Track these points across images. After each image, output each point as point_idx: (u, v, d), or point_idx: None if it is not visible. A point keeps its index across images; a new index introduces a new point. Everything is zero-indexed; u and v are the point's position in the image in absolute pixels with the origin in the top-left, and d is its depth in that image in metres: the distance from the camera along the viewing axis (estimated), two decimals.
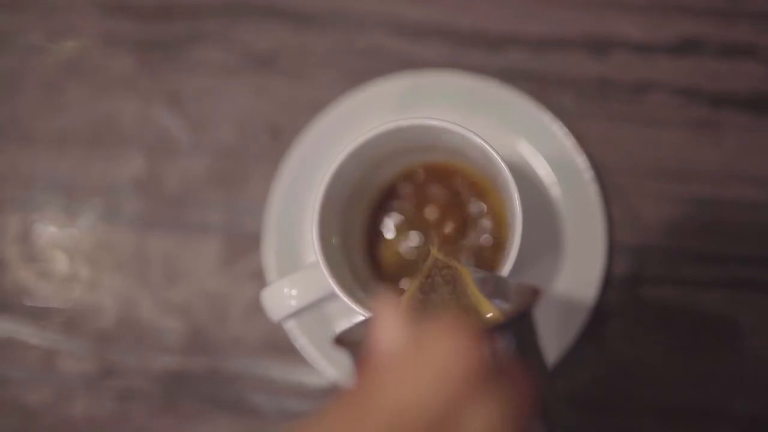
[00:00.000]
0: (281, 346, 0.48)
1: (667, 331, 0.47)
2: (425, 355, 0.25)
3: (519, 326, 0.29)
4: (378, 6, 0.50)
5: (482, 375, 0.25)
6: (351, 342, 0.30)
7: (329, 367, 0.46)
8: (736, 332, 0.46)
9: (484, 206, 0.45)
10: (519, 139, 0.47)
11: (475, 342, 0.25)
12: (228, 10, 0.51)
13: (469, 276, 0.35)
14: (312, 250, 0.39)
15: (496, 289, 0.34)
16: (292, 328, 0.46)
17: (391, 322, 0.27)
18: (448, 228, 0.45)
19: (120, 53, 0.52)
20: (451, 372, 0.24)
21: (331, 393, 0.48)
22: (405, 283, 0.45)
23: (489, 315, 0.31)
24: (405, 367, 0.25)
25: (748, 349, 0.46)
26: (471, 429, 0.24)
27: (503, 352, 0.27)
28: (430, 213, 0.45)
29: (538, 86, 0.48)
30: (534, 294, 0.29)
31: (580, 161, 0.46)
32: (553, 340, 0.45)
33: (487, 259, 0.45)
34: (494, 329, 0.27)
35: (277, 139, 0.50)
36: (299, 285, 0.40)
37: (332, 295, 0.39)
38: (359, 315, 0.38)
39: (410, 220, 0.46)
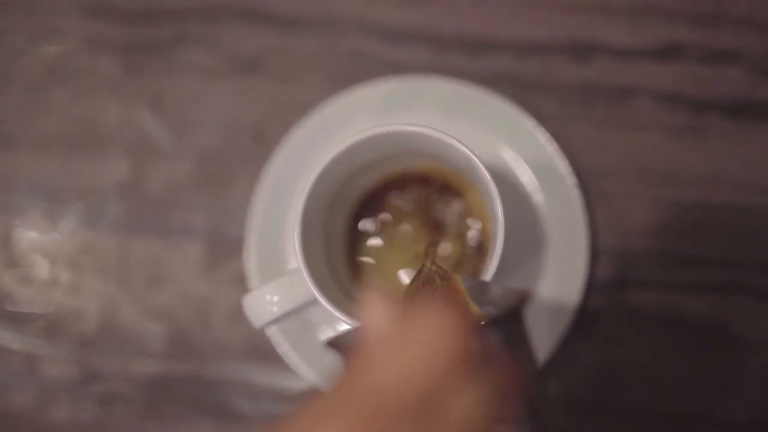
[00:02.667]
0: (264, 351, 0.48)
1: (652, 334, 0.47)
2: (411, 337, 0.25)
3: (508, 323, 0.29)
4: (362, 10, 0.50)
5: (468, 359, 0.25)
6: (342, 346, 0.31)
7: (311, 372, 0.46)
8: (721, 336, 0.47)
9: (467, 211, 0.45)
10: (502, 145, 0.47)
11: (463, 326, 0.25)
12: (212, 13, 0.51)
13: (461, 283, 0.35)
14: (294, 256, 0.39)
15: (485, 295, 0.34)
16: (274, 333, 0.46)
17: (378, 309, 0.27)
18: (431, 235, 0.45)
19: (103, 56, 0.51)
20: (436, 354, 0.24)
21: (310, 395, 0.47)
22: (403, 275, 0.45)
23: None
24: (391, 348, 0.25)
25: (733, 353, 0.47)
26: (454, 411, 0.24)
27: (491, 343, 0.27)
28: (412, 219, 0.45)
29: (522, 91, 0.48)
30: (523, 295, 0.30)
31: (563, 167, 0.46)
32: (537, 345, 0.45)
33: (471, 264, 0.45)
34: (484, 324, 0.27)
35: (261, 142, 0.49)
36: (281, 291, 0.40)
37: (314, 301, 0.39)
38: (341, 320, 0.38)
39: (392, 226, 0.46)
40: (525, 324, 0.30)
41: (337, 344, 0.31)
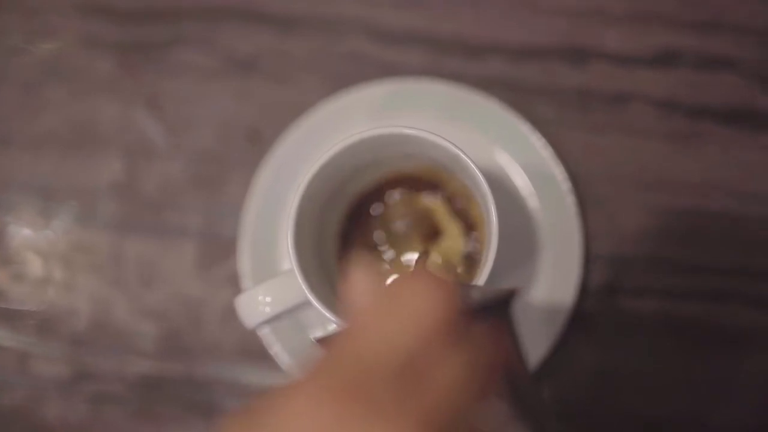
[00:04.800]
0: (256, 352, 0.48)
1: (645, 341, 0.47)
2: (396, 306, 0.25)
3: (495, 311, 0.29)
4: (360, 11, 0.50)
5: (453, 329, 0.25)
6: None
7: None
8: (714, 343, 0.46)
9: (461, 215, 0.45)
10: (497, 149, 0.47)
11: (448, 297, 0.25)
12: (209, 13, 0.51)
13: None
14: (287, 257, 0.39)
15: (474, 294, 0.34)
16: (266, 334, 0.46)
17: (363, 282, 0.27)
18: (425, 238, 0.45)
19: (100, 55, 0.51)
20: (421, 322, 0.24)
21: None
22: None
23: None
24: (375, 317, 0.25)
25: (726, 360, 0.46)
26: (437, 379, 0.24)
27: (478, 324, 0.27)
28: (406, 222, 0.45)
29: (518, 95, 0.48)
30: (512, 291, 0.30)
31: (558, 172, 0.46)
32: (531, 349, 0.45)
33: (465, 268, 0.45)
34: (472, 309, 0.27)
35: (257, 143, 0.49)
36: (274, 292, 0.40)
37: (307, 303, 0.39)
38: (333, 322, 0.38)
39: (385, 229, 0.46)
40: (513, 316, 0.30)
41: (327, 342, 0.31)
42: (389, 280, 0.27)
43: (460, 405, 0.24)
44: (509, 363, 0.28)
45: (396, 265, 0.45)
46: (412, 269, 0.31)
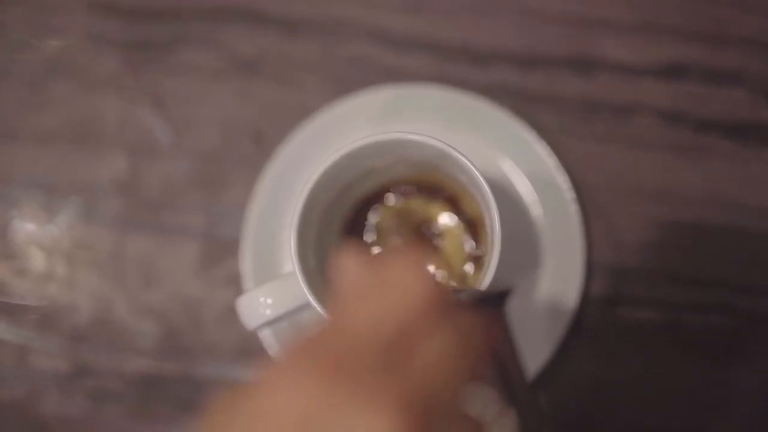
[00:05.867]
0: (255, 353, 0.48)
1: (644, 352, 0.47)
2: (384, 283, 0.25)
3: (489, 304, 0.30)
4: (365, 16, 0.50)
5: (441, 308, 0.25)
6: None
7: None
8: (712, 356, 0.47)
9: (463, 221, 0.45)
10: (501, 156, 0.47)
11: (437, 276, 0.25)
12: (215, 13, 0.51)
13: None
14: (289, 260, 0.39)
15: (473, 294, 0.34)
16: (266, 335, 0.46)
17: (353, 264, 0.27)
18: (427, 243, 0.45)
19: (105, 53, 0.51)
20: (409, 299, 0.24)
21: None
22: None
23: None
24: (363, 294, 0.25)
25: (724, 373, 0.46)
26: (424, 355, 0.24)
27: (470, 312, 0.27)
28: (408, 227, 0.45)
29: (523, 103, 0.48)
30: (506, 287, 0.30)
31: (562, 181, 0.46)
32: (530, 357, 0.45)
33: (467, 274, 0.45)
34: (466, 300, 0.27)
35: (260, 144, 0.49)
36: (275, 294, 0.40)
37: (308, 305, 0.39)
38: None
39: (387, 234, 0.46)
40: (506, 312, 0.30)
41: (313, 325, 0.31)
42: (374, 257, 0.27)
43: (444, 385, 0.23)
44: (500, 352, 0.28)
45: None
46: (398, 249, 0.31)
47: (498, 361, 0.28)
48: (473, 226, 0.45)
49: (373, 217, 0.46)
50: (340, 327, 0.24)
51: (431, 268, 0.25)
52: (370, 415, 0.21)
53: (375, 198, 0.46)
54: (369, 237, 0.46)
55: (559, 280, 0.46)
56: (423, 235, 0.45)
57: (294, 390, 0.22)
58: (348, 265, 0.27)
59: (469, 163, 0.38)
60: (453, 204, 0.46)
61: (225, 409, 0.23)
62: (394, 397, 0.22)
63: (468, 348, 0.25)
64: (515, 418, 0.27)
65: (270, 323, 0.40)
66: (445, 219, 0.46)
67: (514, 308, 0.31)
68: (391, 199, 0.46)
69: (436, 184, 0.45)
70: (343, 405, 0.21)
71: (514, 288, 0.30)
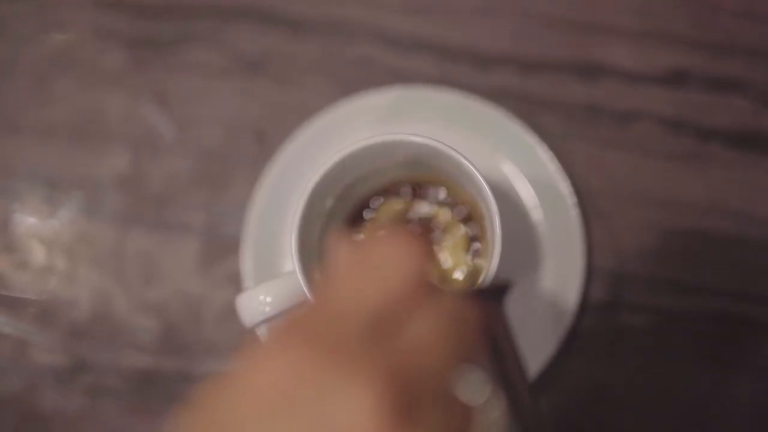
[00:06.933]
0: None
1: (641, 358, 0.47)
2: (369, 262, 0.25)
3: (487, 295, 0.30)
4: (370, 17, 0.50)
5: (428, 287, 0.25)
6: None
7: None
8: (710, 363, 0.47)
9: (465, 224, 0.45)
10: (503, 160, 0.47)
11: (422, 253, 0.25)
12: (221, 12, 0.51)
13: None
14: (290, 259, 0.39)
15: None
16: (265, 333, 0.46)
17: (343, 249, 0.27)
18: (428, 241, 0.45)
19: (111, 48, 0.51)
20: (394, 277, 0.24)
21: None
22: None
23: None
24: (350, 274, 0.25)
25: (723, 380, 0.47)
26: (409, 335, 0.24)
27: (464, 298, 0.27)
28: (409, 229, 0.45)
29: (526, 107, 0.49)
30: (505, 282, 0.30)
31: (564, 186, 0.46)
32: (529, 360, 0.45)
33: (467, 277, 0.45)
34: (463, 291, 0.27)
35: (263, 143, 0.49)
36: (275, 292, 0.40)
37: None
38: None
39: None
40: (504, 305, 0.30)
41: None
42: (363, 239, 0.27)
43: (429, 365, 0.23)
44: (500, 346, 0.28)
45: None
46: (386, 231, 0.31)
47: (497, 356, 0.28)
48: (473, 228, 0.45)
49: (374, 219, 0.46)
50: (324, 306, 0.24)
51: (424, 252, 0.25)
52: (351, 392, 0.21)
53: (377, 198, 0.46)
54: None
55: (559, 283, 0.46)
56: (422, 234, 0.45)
57: (275, 367, 0.22)
58: (339, 250, 0.27)
59: (471, 166, 0.38)
60: (454, 206, 0.46)
61: (210, 389, 0.23)
62: (377, 375, 0.22)
63: (455, 330, 0.25)
64: (506, 403, 0.27)
65: (269, 321, 0.40)
66: (445, 220, 0.46)
67: (512, 310, 0.31)
68: (392, 201, 0.46)
69: (438, 186, 0.45)
70: (324, 381, 0.22)
71: (514, 283, 0.30)
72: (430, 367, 0.23)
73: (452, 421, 0.23)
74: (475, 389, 0.24)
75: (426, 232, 0.45)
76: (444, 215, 0.46)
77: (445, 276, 0.45)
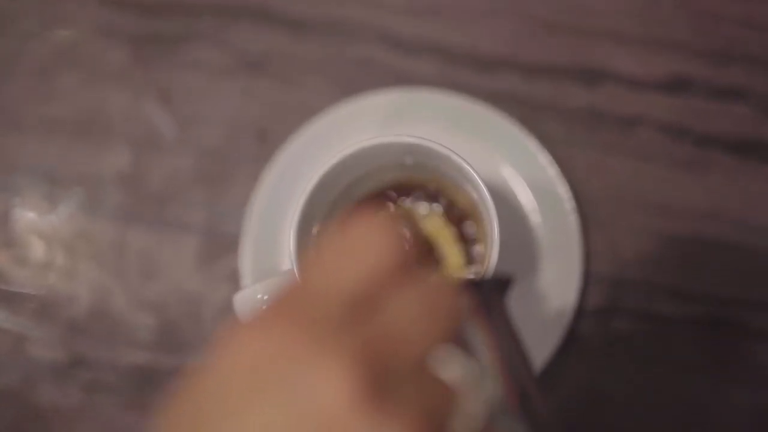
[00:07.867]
0: None
1: (639, 365, 0.47)
2: (345, 245, 0.25)
3: (487, 287, 0.30)
4: (373, 18, 0.51)
5: (408, 267, 0.25)
6: None
7: None
8: (707, 370, 0.47)
9: (463, 227, 0.45)
10: (503, 163, 0.47)
11: (399, 237, 0.25)
12: (224, 11, 0.51)
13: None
14: (288, 258, 0.39)
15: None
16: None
17: (327, 233, 0.27)
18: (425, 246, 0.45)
19: (114, 45, 0.52)
20: (370, 258, 0.24)
21: None
22: None
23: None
24: (330, 255, 0.25)
25: (721, 389, 0.47)
26: (389, 313, 0.24)
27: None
28: (407, 230, 0.45)
29: (527, 111, 0.49)
30: (507, 276, 0.30)
31: (563, 191, 0.46)
32: None
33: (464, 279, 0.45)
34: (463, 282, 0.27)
35: (264, 143, 0.50)
36: (271, 290, 0.40)
37: None
38: None
39: None
40: (505, 300, 0.30)
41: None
42: (344, 221, 0.27)
43: (407, 343, 0.23)
44: (500, 342, 0.28)
45: None
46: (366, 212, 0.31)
47: (496, 345, 0.28)
48: (471, 231, 0.45)
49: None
50: (302, 286, 0.24)
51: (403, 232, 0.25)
52: (325, 370, 0.21)
53: (376, 199, 0.46)
54: None
55: (557, 288, 0.46)
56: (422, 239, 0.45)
57: (250, 345, 0.22)
58: (324, 235, 0.27)
59: (470, 169, 0.38)
60: (452, 208, 0.46)
61: (191, 376, 0.23)
62: (351, 353, 0.22)
63: (435, 311, 0.25)
64: (509, 393, 0.27)
65: None
66: (443, 223, 0.46)
67: (511, 311, 0.31)
68: (391, 202, 0.46)
69: (437, 188, 0.45)
70: (299, 360, 0.22)
71: (516, 278, 0.30)
72: (407, 347, 0.23)
73: (429, 400, 0.23)
74: (460, 371, 0.24)
75: (421, 237, 0.45)
76: (442, 217, 0.46)
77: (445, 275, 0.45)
